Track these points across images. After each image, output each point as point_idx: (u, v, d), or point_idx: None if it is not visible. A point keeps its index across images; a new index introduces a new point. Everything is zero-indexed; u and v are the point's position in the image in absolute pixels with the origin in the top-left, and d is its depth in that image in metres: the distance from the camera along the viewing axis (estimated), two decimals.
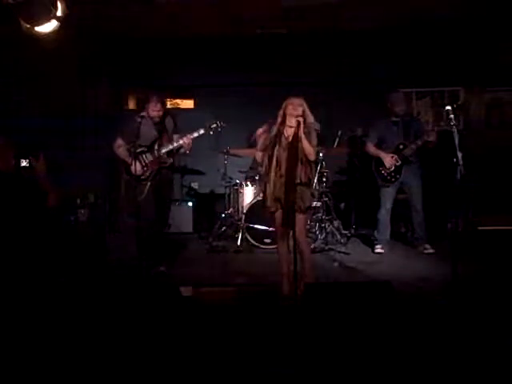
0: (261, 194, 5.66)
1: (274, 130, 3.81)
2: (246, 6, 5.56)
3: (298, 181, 3.73)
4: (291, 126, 3.73)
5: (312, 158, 3.79)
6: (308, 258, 3.97)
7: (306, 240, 4.01)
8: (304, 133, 3.70)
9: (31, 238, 3.45)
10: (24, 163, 3.55)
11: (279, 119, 3.81)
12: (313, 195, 4.07)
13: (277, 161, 3.75)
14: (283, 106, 3.81)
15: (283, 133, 3.76)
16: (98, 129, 6.36)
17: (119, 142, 4.76)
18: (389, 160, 5.21)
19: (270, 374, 2.66)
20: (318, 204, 5.64)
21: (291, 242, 3.66)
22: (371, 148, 5.36)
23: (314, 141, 3.81)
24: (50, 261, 3.91)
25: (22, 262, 3.43)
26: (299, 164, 3.74)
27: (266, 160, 3.87)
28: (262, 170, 3.98)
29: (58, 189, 3.61)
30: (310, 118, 3.79)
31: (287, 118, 3.74)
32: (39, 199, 3.39)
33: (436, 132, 5.06)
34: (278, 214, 3.78)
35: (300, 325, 3.23)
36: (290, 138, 3.68)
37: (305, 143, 3.69)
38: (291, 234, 3.67)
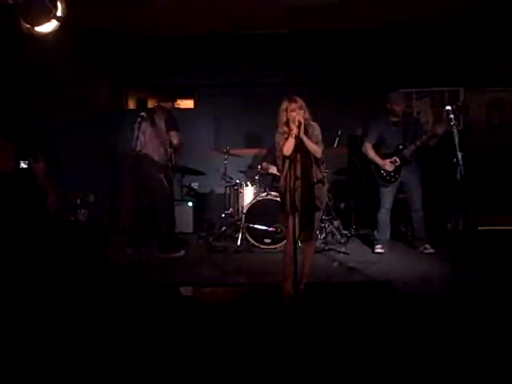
0: (262, 194, 5.75)
1: (280, 137, 3.79)
2: (246, 6, 5.56)
3: (314, 180, 3.76)
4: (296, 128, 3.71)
5: (318, 155, 3.77)
6: (311, 258, 3.98)
7: (314, 239, 4.03)
8: (307, 132, 3.70)
9: (29, 239, 3.44)
10: (23, 165, 3.54)
11: (284, 127, 3.78)
12: (328, 192, 4.05)
13: (290, 164, 3.74)
14: (282, 110, 3.77)
15: (292, 135, 3.72)
16: (98, 128, 6.35)
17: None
18: (388, 167, 5.21)
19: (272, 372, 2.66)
20: None
21: (298, 243, 3.66)
22: (370, 152, 5.32)
23: (319, 136, 3.80)
24: (49, 261, 3.91)
25: (20, 262, 3.42)
26: (312, 163, 3.76)
27: (280, 164, 3.86)
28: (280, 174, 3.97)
29: (58, 190, 3.58)
30: (308, 115, 3.78)
31: (291, 123, 3.73)
32: (38, 200, 3.37)
33: (445, 125, 4.92)
34: (292, 216, 3.77)
35: (300, 325, 3.23)
36: (298, 140, 3.66)
37: (308, 144, 3.68)
38: (298, 233, 3.68)
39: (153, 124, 5.18)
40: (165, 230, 5.28)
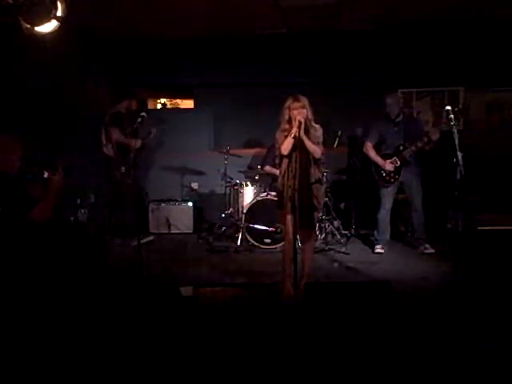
0: (262, 194, 5.74)
1: (280, 134, 3.80)
2: (246, 6, 5.56)
3: (313, 180, 3.76)
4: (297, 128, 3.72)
5: (317, 155, 3.78)
6: (310, 258, 3.98)
7: (313, 239, 4.03)
8: (308, 132, 3.70)
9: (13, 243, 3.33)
10: (46, 174, 3.47)
11: (286, 125, 3.79)
12: (325, 192, 4.08)
13: (289, 162, 3.75)
14: (285, 107, 3.78)
15: (291, 135, 3.72)
16: (98, 129, 6.34)
17: None
18: (388, 167, 5.21)
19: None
20: None
21: (297, 242, 3.67)
22: (371, 152, 5.34)
23: (320, 138, 3.81)
24: (47, 261, 3.89)
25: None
26: (311, 163, 3.76)
27: (279, 162, 3.87)
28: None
29: (54, 203, 3.46)
30: (311, 115, 3.79)
31: (293, 121, 3.74)
32: (24, 207, 3.25)
33: (439, 131, 5.04)
34: (290, 215, 3.77)
35: (300, 325, 3.23)
36: (297, 140, 3.67)
37: (307, 143, 3.69)
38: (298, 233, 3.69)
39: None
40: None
